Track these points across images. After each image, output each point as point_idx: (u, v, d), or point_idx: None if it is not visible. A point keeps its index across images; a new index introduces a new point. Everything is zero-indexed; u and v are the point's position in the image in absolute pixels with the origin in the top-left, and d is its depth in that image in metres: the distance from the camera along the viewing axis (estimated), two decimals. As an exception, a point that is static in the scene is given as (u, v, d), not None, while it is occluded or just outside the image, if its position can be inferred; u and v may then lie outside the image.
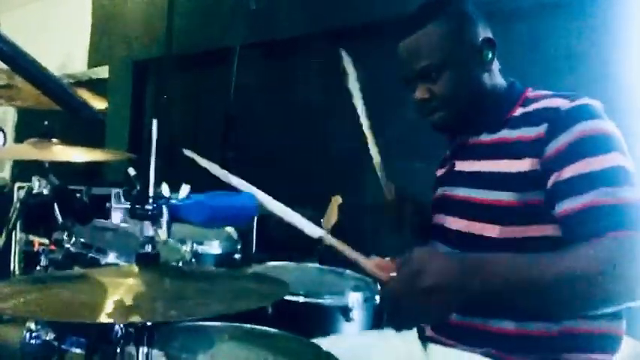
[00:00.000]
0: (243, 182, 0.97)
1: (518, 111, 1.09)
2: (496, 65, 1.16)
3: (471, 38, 1.12)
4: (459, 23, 1.12)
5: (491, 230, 1.04)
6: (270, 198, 0.97)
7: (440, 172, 1.28)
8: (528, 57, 2.02)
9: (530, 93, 1.12)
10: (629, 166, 0.95)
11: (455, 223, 1.13)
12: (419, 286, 0.84)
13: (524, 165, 1.01)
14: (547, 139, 0.99)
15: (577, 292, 0.86)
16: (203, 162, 0.98)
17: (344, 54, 1.26)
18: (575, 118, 0.98)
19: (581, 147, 0.96)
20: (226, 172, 0.98)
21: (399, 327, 0.95)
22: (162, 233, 0.86)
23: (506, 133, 1.08)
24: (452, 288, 0.84)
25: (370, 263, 0.94)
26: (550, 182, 0.97)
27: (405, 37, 1.14)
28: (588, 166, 0.94)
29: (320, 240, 1.27)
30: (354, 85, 1.24)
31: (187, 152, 0.98)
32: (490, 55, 1.12)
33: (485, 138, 1.13)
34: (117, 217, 0.88)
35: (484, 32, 1.13)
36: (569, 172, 0.95)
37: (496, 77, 1.16)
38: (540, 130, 1.00)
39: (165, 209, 0.86)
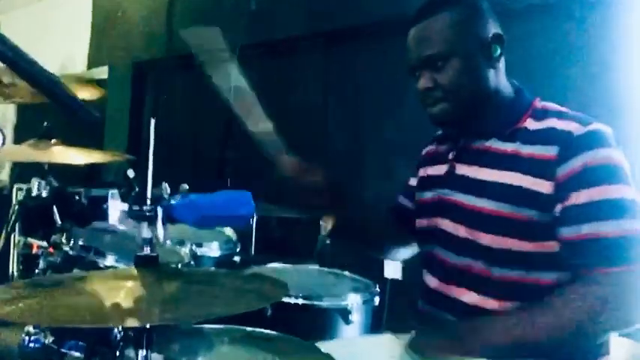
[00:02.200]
0: None
1: (530, 123, 1.08)
2: (502, 65, 1.14)
3: (481, 31, 1.11)
4: (471, 14, 1.11)
5: (500, 242, 1.04)
6: None
7: (429, 172, 1.25)
8: (526, 57, 2.02)
9: (539, 103, 1.11)
10: (633, 198, 0.96)
11: (458, 229, 1.11)
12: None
13: (540, 185, 1.01)
14: (558, 162, 1.00)
15: (572, 339, 0.95)
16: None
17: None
18: (585, 145, 0.99)
19: (587, 175, 0.97)
20: None
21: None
22: (159, 234, 0.86)
23: (519, 147, 1.06)
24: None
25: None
26: (558, 207, 0.99)
27: (416, 23, 1.12)
28: (591, 195, 0.96)
29: (320, 240, 1.26)
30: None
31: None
32: (498, 52, 1.11)
33: (494, 145, 1.10)
34: (114, 219, 0.88)
35: (494, 28, 1.12)
36: (574, 199, 0.97)
37: (502, 78, 1.14)
38: (552, 151, 1.01)
39: (160, 210, 0.85)
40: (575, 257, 0.96)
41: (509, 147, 1.08)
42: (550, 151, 1.01)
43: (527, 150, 1.05)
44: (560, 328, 0.94)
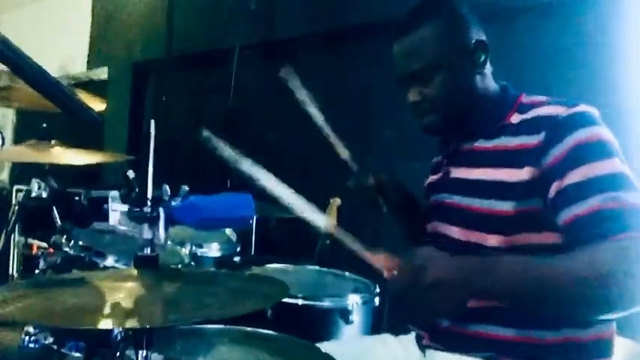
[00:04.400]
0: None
1: (515, 118, 1.08)
2: (489, 69, 1.15)
3: (463, 40, 1.11)
4: (452, 24, 1.12)
5: (494, 240, 1.03)
6: (281, 187, 0.96)
7: (432, 179, 1.26)
8: (527, 57, 2.02)
9: (525, 98, 1.11)
10: (628, 172, 0.95)
11: (455, 232, 1.11)
12: (421, 282, 0.84)
13: (524, 174, 1.00)
14: (545, 147, 0.99)
15: (584, 296, 0.85)
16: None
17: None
18: (573, 125, 0.98)
19: (580, 153, 0.96)
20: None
21: (402, 321, 0.95)
22: (161, 236, 0.86)
23: (504, 141, 1.07)
24: (454, 286, 0.85)
25: (375, 259, 0.95)
26: (552, 191, 0.97)
27: (399, 38, 1.13)
28: (589, 171, 0.94)
29: (320, 241, 1.27)
30: (301, 94, 1.25)
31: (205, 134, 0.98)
32: (483, 58, 1.11)
33: (482, 144, 1.11)
34: (114, 220, 0.88)
35: (477, 34, 1.12)
36: (570, 179, 0.95)
37: (488, 80, 1.15)
38: (539, 138, 1.00)
39: (162, 212, 0.85)
40: (585, 232, 0.91)
41: (495, 143, 1.08)
42: (535, 139, 1.00)
43: (512, 143, 1.05)
44: (581, 277, 0.83)
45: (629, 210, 0.89)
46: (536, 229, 0.99)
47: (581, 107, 1.01)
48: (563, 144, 0.97)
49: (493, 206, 1.03)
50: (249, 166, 0.96)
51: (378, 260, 0.94)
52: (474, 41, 1.11)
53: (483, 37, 1.13)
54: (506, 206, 1.01)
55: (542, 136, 1.00)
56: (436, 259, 0.87)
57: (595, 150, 0.96)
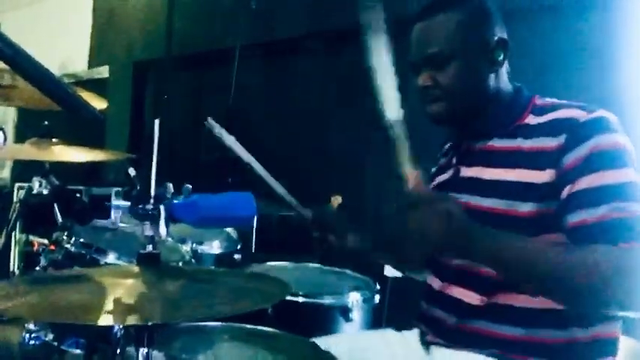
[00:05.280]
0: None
1: (531, 119, 1.08)
2: (505, 69, 1.14)
3: (485, 34, 1.10)
4: (477, 17, 1.11)
5: None
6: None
7: (438, 181, 1.24)
8: (528, 57, 2.02)
9: (539, 100, 1.11)
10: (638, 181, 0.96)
11: None
12: (439, 207, 0.90)
13: (546, 176, 1.00)
14: (565, 150, 0.99)
15: (581, 287, 0.88)
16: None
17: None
18: (592, 130, 0.98)
19: (596, 160, 0.96)
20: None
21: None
22: (162, 233, 0.86)
23: (521, 142, 1.06)
24: (459, 228, 0.90)
25: (411, 173, 0.97)
26: (564, 193, 0.97)
27: (421, 20, 1.12)
28: (602, 179, 0.95)
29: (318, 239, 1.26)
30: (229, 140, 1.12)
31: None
32: (501, 57, 1.11)
33: (496, 144, 1.10)
34: (117, 217, 0.88)
35: (500, 32, 1.12)
36: (583, 184, 0.96)
37: (503, 81, 1.14)
38: (560, 140, 1.00)
39: (162, 209, 0.86)
40: (591, 239, 0.92)
41: (510, 144, 1.08)
42: (555, 141, 1.00)
43: (529, 144, 1.05)
44: (576, 270, 0.88)
45: (637, 220, 0.90)
46: (554, 230, 0.99)
47: (601, 112, 1.01)
48: (581, 148, 0.97)
49: (511, 206, 1.02)
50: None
51: (411, 175, 0.97)
52: (496, 38, 1.10)
53: (505, 37, 1.12)
54: (525, 207, 1.01)
55: (562, 138, 1.00)
56: (458, 206, 0.92)
57: (610, 158, 0.96)
